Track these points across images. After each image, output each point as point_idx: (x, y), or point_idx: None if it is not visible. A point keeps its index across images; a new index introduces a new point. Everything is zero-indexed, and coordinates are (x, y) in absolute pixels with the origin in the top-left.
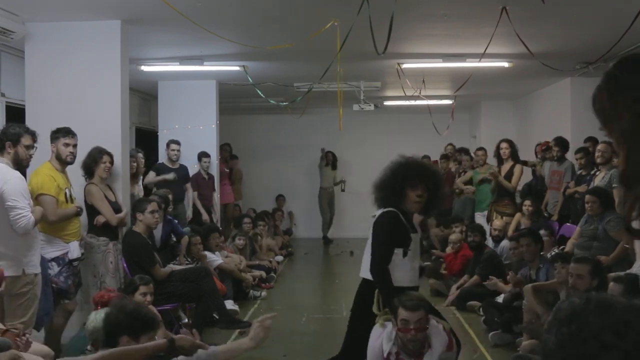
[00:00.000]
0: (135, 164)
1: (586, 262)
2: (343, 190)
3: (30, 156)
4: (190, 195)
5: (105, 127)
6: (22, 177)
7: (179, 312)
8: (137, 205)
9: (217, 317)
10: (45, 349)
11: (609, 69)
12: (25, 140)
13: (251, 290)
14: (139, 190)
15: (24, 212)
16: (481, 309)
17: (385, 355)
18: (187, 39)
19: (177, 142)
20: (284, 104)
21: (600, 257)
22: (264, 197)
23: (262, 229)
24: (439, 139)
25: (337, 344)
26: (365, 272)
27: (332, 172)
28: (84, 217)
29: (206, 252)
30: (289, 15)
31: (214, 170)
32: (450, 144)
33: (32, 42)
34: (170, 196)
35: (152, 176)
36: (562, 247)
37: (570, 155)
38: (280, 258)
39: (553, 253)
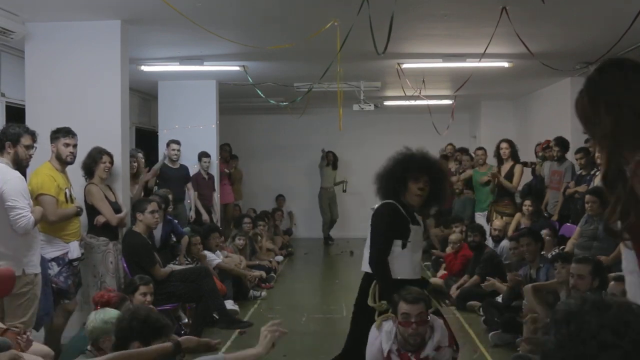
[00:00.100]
0: (136, 164)
1: (587, 262)
2: (344, 191)
3: (30, 156)
4: (192, 195)
5: (105, 127)
6: (22, 177)
7: (179, 312)
8: (137, 205)
9: (217, 317)
10: (45, 349)
11: (591, 73)
12: (25, 140)
13: (251, 290)
14: (139, 190)
15: (24, 212)
16: (481, 309)
17: (385, 354)
18: (187, 39)
19: (177, 142)
20: (284, 104)
21: (601, 257)
22: (264, 197)
23: (262, 229)
24: (439, 139)
25: (337, 344)
26: (367, 266)
27: (332, 172)
28: (84, 217)
29: (205, 252)
30: (289, 15)
31: (214, 170)
32: (450, 144)
33: (32, 42)
34: (170, 196)
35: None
36: (562, 247)
37: (570, 155)
38: (280, 258)
39: (554, 253)
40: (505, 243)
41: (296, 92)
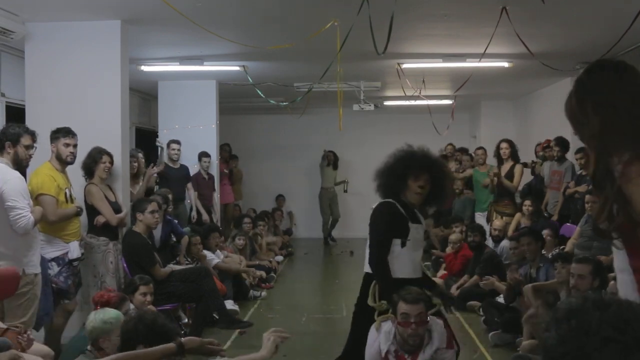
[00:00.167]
0: (136, 164)
1: (587, 262)
2: (346, 191)
3: (30, 156)
4: (192, 195)
5: (105, 127)
6: (22, 177)
7: (179, 312)
8: (137, 205)
9: (217, 317)
10: (45, 349)
11: (579, 75)
12: (25, 140)
13: (251, 290)
14: (142, 187)
15: (24, 212)
16: (481, 309)
17: (383, 354)
18: (187, 39)
19: (178, 142)
20: (284, 104)
21: (601, 257)
22: (264, 197)
23: (262, 229)
24: (439, 139)
25: (337, 344)
26: (368, 266)
27: (333, 172)
28: (84, 217)
29: (205, 252)
30: (289, 15)
31: (214, 171)
32: (450, 144)
33: (32, 42)
34: (170, 196)
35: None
36: (562, 247)
37: (570, 155)
38: (280, 258)
39: (554, 253)
40: (505, 243)
41: (296, 92)
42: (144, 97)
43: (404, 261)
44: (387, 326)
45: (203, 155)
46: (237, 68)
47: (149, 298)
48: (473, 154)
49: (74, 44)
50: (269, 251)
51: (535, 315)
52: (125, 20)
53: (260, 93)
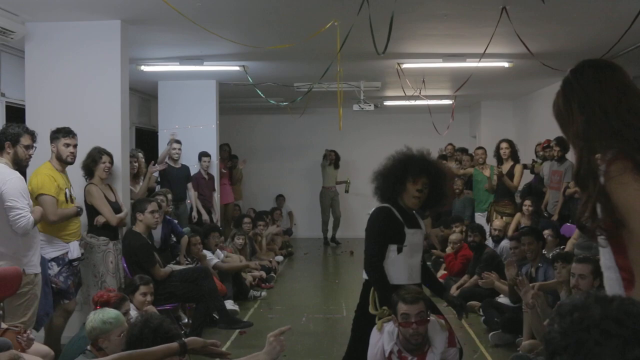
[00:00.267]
0: (136, 164)
1: (588, 262)
2: (347, 192)
3: (30, 156)
4: (192, 195)
5: (105, 127)
6: (22, 177)
7: (179, 312)
8: (137, 205)
9: (217, 317)
10: (45, 349)
11: (566, 74)
12: (25, 140)
13: (251, 290)
14: (144, 185)
15: (24, 212)
16: (481, 309)
17: (387, 354)
18: (187, 39)
19: (178, 142)
20: (284, 104)
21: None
22: (264, 197)
23: (262, 229)
24: (439, 139)
25: (337, 344)
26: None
27: (334, 172)
28: (84, 217)
29: (205, 252)
30: (289, 15)
31: (214, 170)
32: (450, 144)
33: (32, 42)
34: (169, 195)
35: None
36: (562, 247)
37: (570, 155)
38: (280, 258)
39: (554, 253)
40: (505, 243)
41: (296, 92)
42: (144, 97)
43: (400, 267)
44: (390, 327)
45: (203, 155)
46: (237, 68)
47: (149, 298)
48: (473, 154)
49: (74, 44)
50: (269, 251)
51: (535, 297)
52: (125, 20)
53: (260, 93)
